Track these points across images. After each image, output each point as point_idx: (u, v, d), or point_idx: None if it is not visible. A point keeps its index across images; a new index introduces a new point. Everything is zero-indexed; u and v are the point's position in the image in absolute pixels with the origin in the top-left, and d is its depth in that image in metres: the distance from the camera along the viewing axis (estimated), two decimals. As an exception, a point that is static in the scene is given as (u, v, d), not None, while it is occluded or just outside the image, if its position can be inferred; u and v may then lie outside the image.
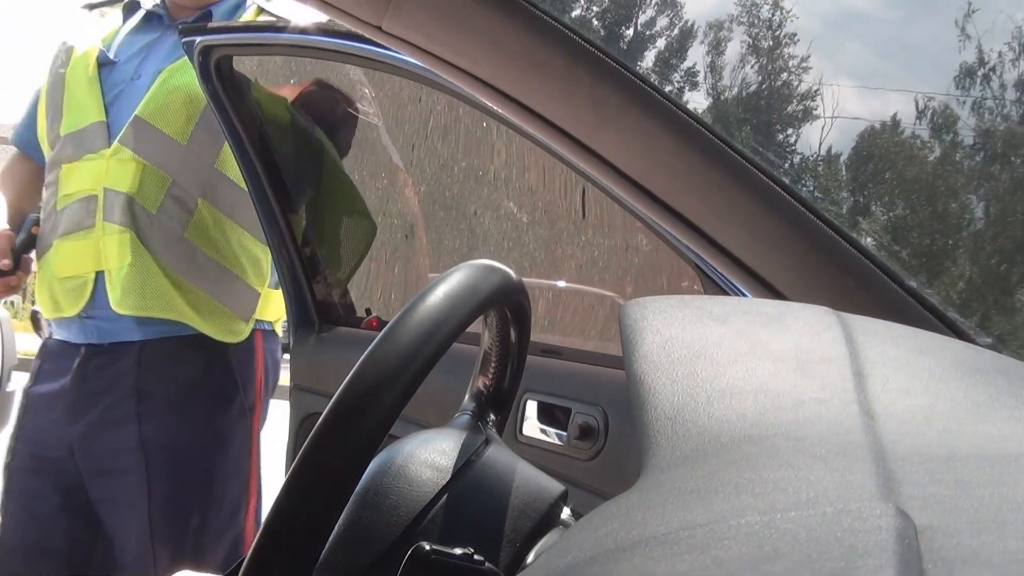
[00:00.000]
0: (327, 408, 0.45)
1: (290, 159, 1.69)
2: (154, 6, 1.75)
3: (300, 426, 1.60)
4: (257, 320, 1.72)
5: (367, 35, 0.96)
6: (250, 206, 1.65)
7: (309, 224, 1.69)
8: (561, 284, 1.62)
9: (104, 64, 1.69)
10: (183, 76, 1.64)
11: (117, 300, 1.60)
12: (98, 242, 1.61)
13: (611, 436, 1.13)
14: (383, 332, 0.48)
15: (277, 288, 1.75)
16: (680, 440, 0.38)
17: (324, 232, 1.75)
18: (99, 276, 1.63)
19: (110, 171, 1.61)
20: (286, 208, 1.63)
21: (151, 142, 1.62)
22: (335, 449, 0.44)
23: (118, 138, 1.62)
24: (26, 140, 1.83)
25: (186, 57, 1.64)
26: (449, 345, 0.49)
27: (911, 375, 0.44)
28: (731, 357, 0.44)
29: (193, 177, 1.64)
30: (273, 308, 1.76)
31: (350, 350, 1.53)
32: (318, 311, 1.67)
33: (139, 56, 1.69)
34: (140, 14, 1.76)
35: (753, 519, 0.30)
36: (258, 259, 1.71)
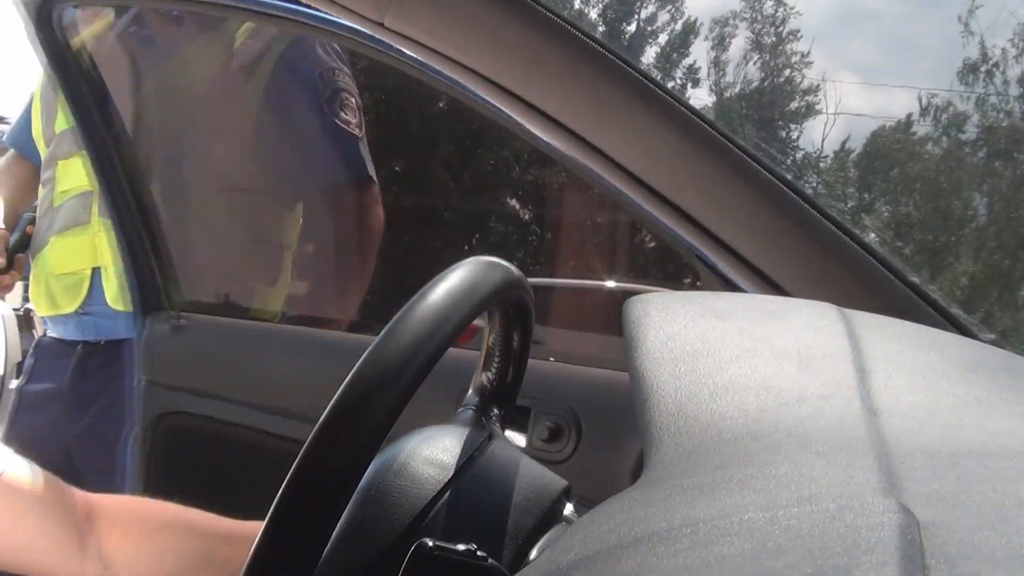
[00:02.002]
0: (329, 406, 0.45)
1: (151, 122, 1.62)
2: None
3: (155, 427, 1.45)
4: (252, 316, 1.71)
5: (369, 31, 0.96)
6: (251, 200, 1.65)
7: (166, 196, 1.60)
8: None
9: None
10: (178, 70, 1.64)
11: (114, 296, 1.61)
12: (94, 238, 1.62)
13: (584, 437, 1.09)
14: (384, 330, 0.48)
15: (275, 284, 1.75)
16: (683, 436, 0.38)
17: (184, 205, 1.67)
18: (96, 272, 1.64)
19: None
20: (133, 176, 1.50)
21: (145, 136, 1.61)
22: (338, 446, 0.44)
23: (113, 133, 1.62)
24: (22, 140, 1.83)
25: (183, 51, 1.64)
26: (451, 343, 0.49)
27: (914, 371, 0.44)
28: (734, 353, 0.44)
29: (188, 169, 1.63)
30: (271, 304, 1.75)
31: (213, 340, 1.46)
32: (169, 295, 1.53)
33: (135, 52, 1.69)
34: (133, 11, 1.75)
35: (756, 515, 0.30)
36: (257, 256, 1.71)
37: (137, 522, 0.85)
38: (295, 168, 1.67)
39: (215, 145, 1.64)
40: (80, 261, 1.64)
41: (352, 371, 0.46)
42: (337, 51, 1.72)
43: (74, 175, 1.65)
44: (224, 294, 1.68)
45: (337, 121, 1.65)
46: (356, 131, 1.68)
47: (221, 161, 1.63)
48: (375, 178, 1.71)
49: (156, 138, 1.63)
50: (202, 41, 1.67)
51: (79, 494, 0.85)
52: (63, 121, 1.69)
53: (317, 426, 0.45)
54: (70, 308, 1.64)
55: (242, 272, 1.70)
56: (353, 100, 1.69)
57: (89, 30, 1.74)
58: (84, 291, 1.64)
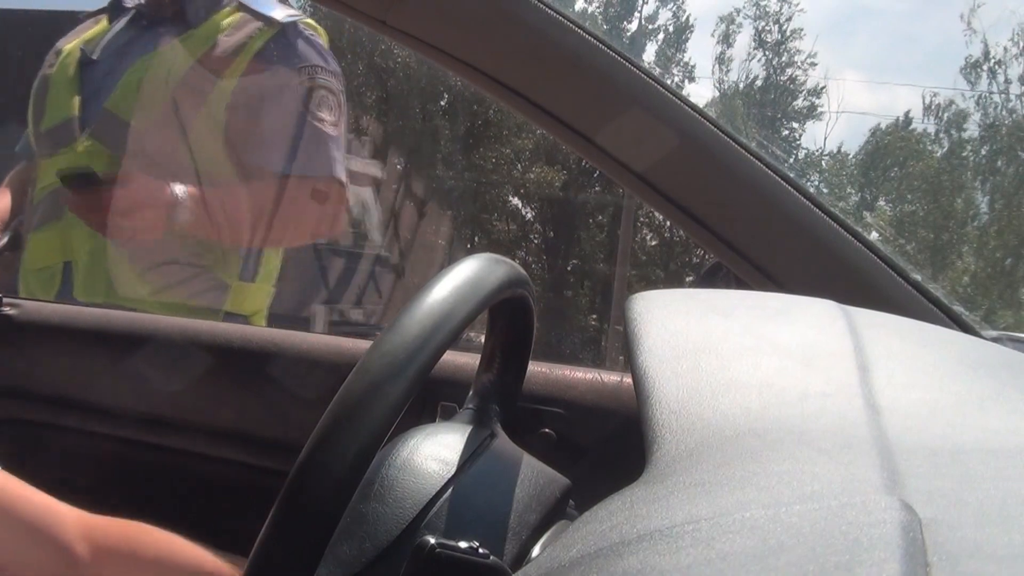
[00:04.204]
0: (333, 400, 0.46)
1: (127, 115, 1.65)
2: (137, 5, 1.78)
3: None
4: (227, 313, 1.72)
5: (372, 29, 0.96)
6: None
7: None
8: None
9: (86, 63, 1.73)
10: (153, 67, 1.67)
11: (80, 289, 1.64)
12: (65, 233, 1.65)
13: (585, 439, 1.05)
14: (390, 323, 0.49)
15: (253, 281, 1.75)
16: (685, 434, 0.38)
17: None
18: (67, 266, 1.67)
19: (78, 163, 1.64)
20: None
21: (117, 133, 1.64)
22: (341, 442, 0.44)
23: (88, 131, 1.65)
24: (28, 146, 1.86)
25: (160, 49, 1.67)
26: (455, 338, 0.49)
27: (916, 369, 0.44)
28: (736, 351, 0.44)
29: (158, 166, 1.65)
30: (249, 301, 1.75)
31: (49, 332, 1.25)
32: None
33: (119, 53, 1.73)
34: (128, 16, 1.79)
35: (758, 513, 0.30)
36: (225, 251, 1.71)
37: (136, 553, 0.83)
38: (264, 161, 1.68)
39: (187, 136, 1.66)
40: (52, 256, 1.68)
41: (358, 363, 0.47)
42: (324, 49, 1.74)
43: (50, 172, 1.68)
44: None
45: (310, 117, 1.67)
46: (330, 129, 1.69)
47: (194, 151, 1.65)
48: (343, 179, 1.72)
49: (130, 130, 1.66)
50: (186, 35, 1.70)
51: (74, 515, 0.83)
52: (49, 121, 1.72)
53: (322, 418, 0.45)
54: None
55: (212, 267, 1.70)
56: (332, 99, 1.70)
57: (88, 33, 1.79)
58: (56, 285, 1.67)
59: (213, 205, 1.62)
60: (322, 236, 1.80)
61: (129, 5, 1.79)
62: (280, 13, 1.70)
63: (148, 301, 1.63)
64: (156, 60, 1.67)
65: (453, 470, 0.58)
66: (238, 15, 1.71)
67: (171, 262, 1.66)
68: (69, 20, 1.86)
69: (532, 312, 0.67)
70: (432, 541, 0.49)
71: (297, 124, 1.66)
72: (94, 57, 1.72)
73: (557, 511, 0.62)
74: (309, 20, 1.74)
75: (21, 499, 0.81)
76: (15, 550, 0.79)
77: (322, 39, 1.74)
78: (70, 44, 1.78)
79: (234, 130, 1.65)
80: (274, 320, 1.84)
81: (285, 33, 1.69)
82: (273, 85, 1.66)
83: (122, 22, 1.77)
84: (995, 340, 0.89)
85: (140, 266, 1.65)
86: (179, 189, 1.56)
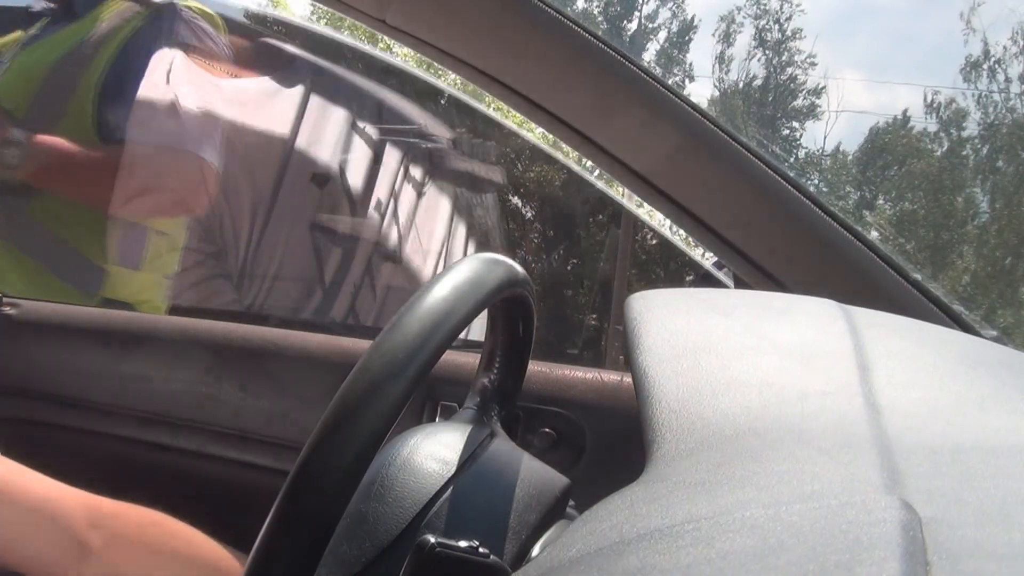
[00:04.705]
0: (333, 400, 0.46)
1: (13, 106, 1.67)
2: (42, 9, 1.83)
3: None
4: (107, 299, 1.72)
5: (371, 28, 0.96)
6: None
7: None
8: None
9: None
10: (31, 55, 1.71)
11: None
12: None
13: (586, 440, 1.00)
14: (390, 323, 0.49)
15: (137, 268, 1.76)
16: (685, 433, 0.38)
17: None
18: None
19: None
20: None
21: None
22: (341, 441, 0.44)
23: None
24: None
25: (42, 38, 1.72)
26: (455, 337, 0.49)
27: (916, 368, 0.44)
28: (736, 350, 0.44)
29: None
30: (131, 289, 1.75)
31: (49, 331, 1.26)
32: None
33: (16, 52, 1.78)
34: (37, 21, 1.83)
35: (757, 512, 0.30)
36: (103, 235, 1.72)
37: (151, 545, 0.82)
38: (123, 132, 1.70)
39: (59, 120, 1.68)
40: None
41: (358, 363, 0.46)
42: (206, 31, 1.76)
43: None
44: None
45: (171, 93, 1.69)
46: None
47: (65, 127, 1.66)
48: (202, 156, 1.72)
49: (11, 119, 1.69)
50: (70, 26, 1.73)
51: (81, 500, 0.82)
52: None
53: (322, 418, 0.45)
54: None
55: (79, 245, 1.72)
56: None
57: (2, 40, 1.84)
58: None
59: (60, 159, 1.64)
60: (179, 211, 1.80)
61: (36, 10, 1.83)
62: None
63: (22, 291, 1.64)
64: (36, 50, 1.71)
65: (453, 470, 0.58)
66: (122, 4, 1.75)
67: (51, 246, 1.68)
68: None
69: (532, 312, 0.67)
70: (432, 540, 0.49)
71: (159, 98, 1.68)
72: (2, 61, 1.76)
73: (557, 511, 0.62)
74: (193, 4, 1.77)
75: (22, 486, 0.79)
76: (20, 540, 0.77)
77: (207, 23, 1.76)
78: None
79: (103, 106, 1.67)
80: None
81: (160, 15, 1.71)
82: (142, 63, 1.69)
83: (33, 27, 1.82)
84: (994, 339, 0.89)
85: (16, 248, 1.68)
86: (16, 131, 1.59)
